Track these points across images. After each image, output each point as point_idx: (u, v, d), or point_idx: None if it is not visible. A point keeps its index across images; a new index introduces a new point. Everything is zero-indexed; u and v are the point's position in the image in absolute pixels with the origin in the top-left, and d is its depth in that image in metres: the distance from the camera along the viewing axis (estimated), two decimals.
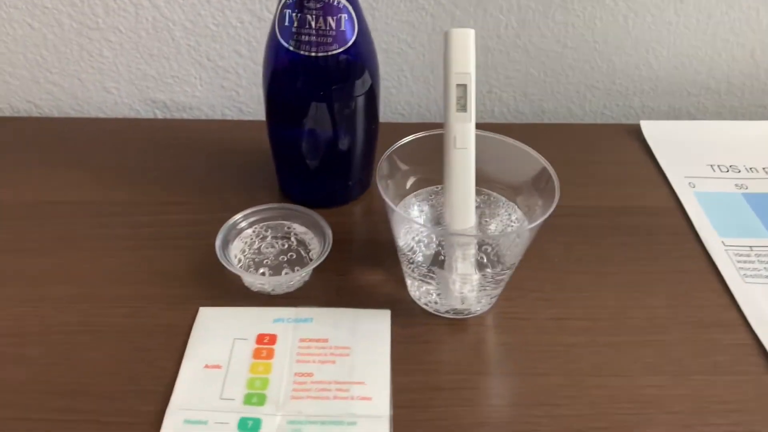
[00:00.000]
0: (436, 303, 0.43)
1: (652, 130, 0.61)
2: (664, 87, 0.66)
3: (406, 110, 0.66)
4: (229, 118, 0.67)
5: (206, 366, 0.40)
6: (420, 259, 0.42)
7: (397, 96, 0.65)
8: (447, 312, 0.43)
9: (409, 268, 0.43)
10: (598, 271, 0.47)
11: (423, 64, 0.63)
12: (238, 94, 0.65)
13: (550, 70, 0.65)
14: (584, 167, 0.57)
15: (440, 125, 0.41)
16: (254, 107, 0.66)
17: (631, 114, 0.68)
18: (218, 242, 0.45)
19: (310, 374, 0.39)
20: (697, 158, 0.58)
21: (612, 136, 0.62)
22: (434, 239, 0.44)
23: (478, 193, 0.42)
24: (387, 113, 0.66)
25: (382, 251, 0.48)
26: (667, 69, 0.65)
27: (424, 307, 0.44)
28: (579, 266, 0.47)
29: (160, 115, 0.67)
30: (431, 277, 0.42)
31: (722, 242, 0.49)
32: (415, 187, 0.46)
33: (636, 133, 0.62)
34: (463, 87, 0.40)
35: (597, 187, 0.55)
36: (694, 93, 0.67)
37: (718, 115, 0.68)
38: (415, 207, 0.45)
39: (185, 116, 0.67)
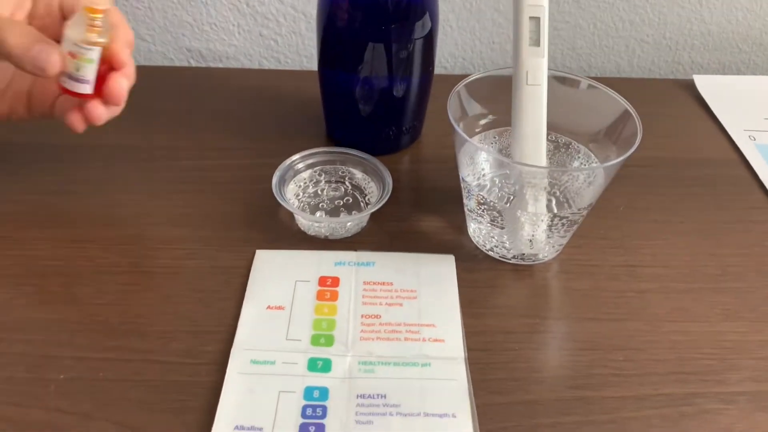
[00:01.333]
0: (502, 247, 0.42)
1: (707, 85, 0.59)
2: (715, 42, 0.64)
3: (450, 62, 0.64)
4: (266, 68, 0.65)
5: (269, 307, 0.38)
6: (489, 199, 0.41)
7: (441, 48, 0.63)
8: (513, 258, 0.42)
9: (474, 211, 0.41)
10: (665, 220, 0.45)
11: (469, 14, 0.61)
12: (276, 43, 0.63)
13: (600, 23, 0.62)
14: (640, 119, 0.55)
15: None
16: (293, 57, 0.64)
17: (679, 71, 0.66)
18: (275, 180, 0.43)
19: (377, 316, 0.38)
20: (754, 112, 0.56)
21: (664, 90, 0.60)
22: (497, 182, 0.42)
23: (548, 137, 0.41)
24: None
25: (439, 198, 0.46)
26: (719, 23, 0.63)
27: (489, 253, 0.42)
28: (645, 215, 0.46)
29: (195, 65, 0.64)
30: (499, 219, 0.40)
31: None
32: (482, 128, 0.44)
33: (688, 87, 0.60)
34: (536, 20, 0.38)
35: (655, 140, 0.52)
36: (745, 49, 0.65)
37: None
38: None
39: (221, 66, 0.64)
